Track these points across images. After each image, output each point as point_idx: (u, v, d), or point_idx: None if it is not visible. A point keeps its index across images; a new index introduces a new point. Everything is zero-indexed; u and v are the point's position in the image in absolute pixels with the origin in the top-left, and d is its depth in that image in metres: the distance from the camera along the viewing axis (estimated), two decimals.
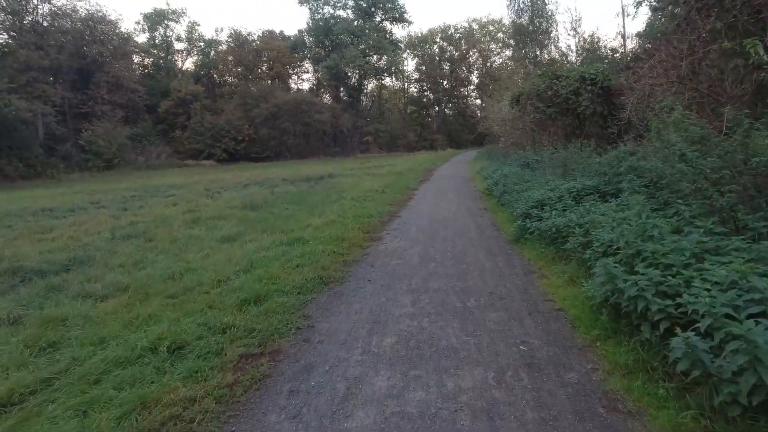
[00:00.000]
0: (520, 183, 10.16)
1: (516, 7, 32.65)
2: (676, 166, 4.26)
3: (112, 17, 44.47)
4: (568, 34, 30.76)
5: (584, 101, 14.62)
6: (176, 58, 57.14)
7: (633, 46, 24.26)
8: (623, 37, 26.02)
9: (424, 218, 9.78)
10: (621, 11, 28.53)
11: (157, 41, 53.60)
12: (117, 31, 45.45)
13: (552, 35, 31.39)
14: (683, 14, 7.61)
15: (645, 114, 9.26)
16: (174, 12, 52.46)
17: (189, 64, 57.54)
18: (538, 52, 32.17)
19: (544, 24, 31.79)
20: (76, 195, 20.79)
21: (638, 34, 23.24)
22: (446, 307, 4.49)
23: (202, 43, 56.14)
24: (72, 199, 18.77)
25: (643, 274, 3.13)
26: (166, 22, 52.69)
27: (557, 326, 3.87)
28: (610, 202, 6.14)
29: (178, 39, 55.24)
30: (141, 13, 50.96)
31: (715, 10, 7.55)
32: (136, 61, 53.56)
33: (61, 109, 38.60)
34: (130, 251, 7.92)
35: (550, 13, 31.68)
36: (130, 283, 5.81)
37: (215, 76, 57.16)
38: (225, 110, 50.62)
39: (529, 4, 32.08)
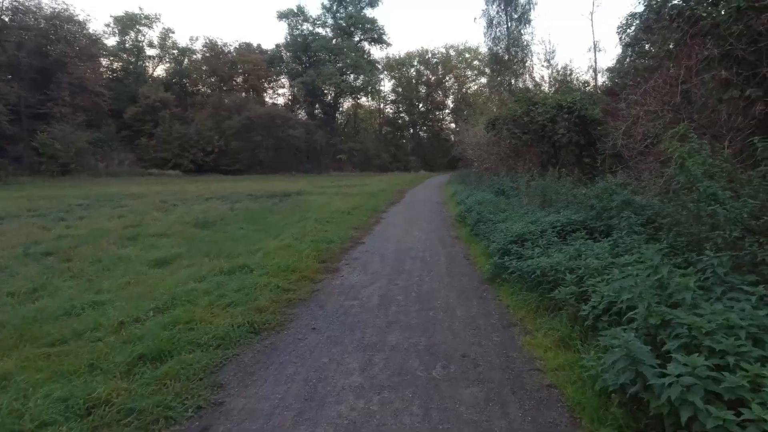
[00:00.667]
0: (496, 212, 9.30)
1: (493, 35, 32.75)
2: (701, 207, 3.40)
3: (80, 17, 42.44)
4: (542, 65, 30.97)
5: (561, 129, 14.09)
6: (147, 64, 55.21)
7: (604, 79, 24.45)
8: (594, 71, 26.24)
9: (390, 246, 8.76)
10: (593, 46, 28.96)
11: (127, 45, 51.61)
12: (84, 31, 43.44)
13: (527, 64, 31.50)
14: (676, 38, 7.01)
15: (631, 144, 8.63)
16: (147, 17, 50.81)
17: (161, 71, 55.70)
18: (513, 81, 32.21)
19: (520, 53, 31.92)
20: (17, 200, 18.85)
21: (609, 69, 23.41)
22: (405, 376, 3.42)
23: (175, 51, 54.48)
24: (9, 205, 16.92)
25: (684, 364, 2.15)
26: (138, 26, 50.87)
27: (551, 416, 2.85)
28: (601, 241, 5.28)
29: (151, 45, 53.47)
30: (111, 16, 49.03)
31: (710, 37, 6.97)
32: (104, 64, 51.44)
33: (15, 108, 36.10)
34: (34, 274, 6.53)
35: (525, 43, 31.86)
36: (6, 321, 4.51)
37: (187, 84, 55.42)
38: (195, 120, 48.85)
39: (506, 33, 32.25)
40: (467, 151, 23.92)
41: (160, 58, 55.22)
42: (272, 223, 11.81)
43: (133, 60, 52.26)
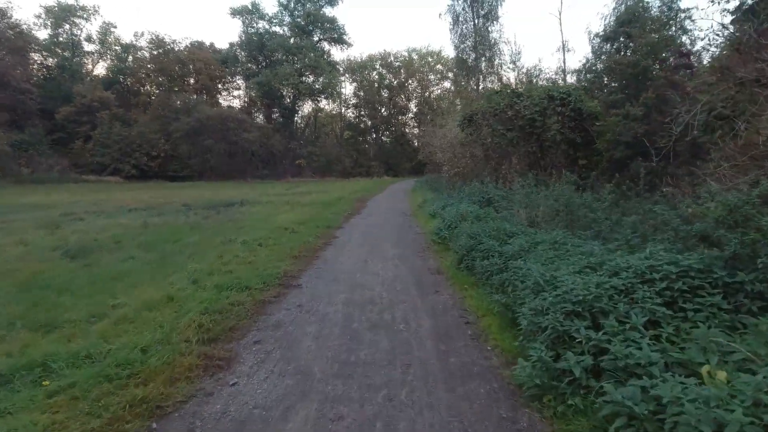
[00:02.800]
0: (499, 236, 6.23)
1: (459, 33, 30.22)
2: None
3: (1, 5, 36.92)
4: (508, 67, 28.79)
5: (554, 124, 11.33)
6: (86, 60, 49.55)
7: (572, 81, 22.23)
8: (564, 72, 24.04)
9: (339, 294, 5.51)
10: (562, 46, 26.87)
11: (61, 39, 45.95)
12: (5, 20, 37.87)
13: (495, 63, 29.13)
14: None
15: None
16: (83, 8, 45.37)
17: (101, 69, 50.15)
18: (480, 80, 29.75)
19: (487, 52, 29.53)
20: None
21: (577, 71, 21.20)
22: None
23: (118, 47, 49.13)
24: None
25: None
26: (73, 18, 45.34)
27: None
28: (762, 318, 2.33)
29: (89, 40, 47.93)
30: (42, 6, 43.17)
31: None
32: (37, 60, 45.59)
33: None
34: None
35: (493, 41, 29.50)
36: None
37: (132, 84, 50.11)
38: (139, 122, 43.86)
39: (473, 30, 29.78)
40: (436, 154, 21.02)
41: (101, 55, 49.74)
42: (180, 249, 8.31)
43: (68, 56, 46.56)
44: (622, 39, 20.84)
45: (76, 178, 39.86)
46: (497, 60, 29.10)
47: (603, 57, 22.12)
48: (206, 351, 3.65)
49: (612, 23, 26.24)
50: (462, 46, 29.87)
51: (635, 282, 3.06)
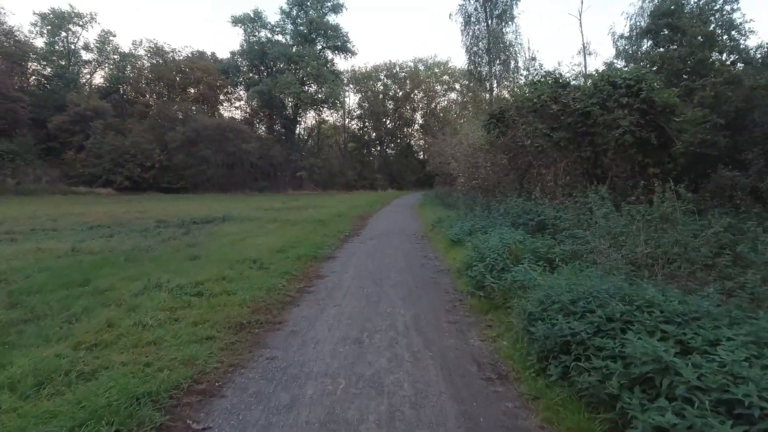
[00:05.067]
0: (613, 307, 2.92)
1: (471, 34, 27.23)
2: None
3: None
4: (521, 74, 25.76)
5: (623, 121, 8.11)
6: (85, 69, 47.07)
7: None
8: (584, 76, 20.90)
9: None
10: (582, 48, 23.78)
11: (57, 48, 43.51)
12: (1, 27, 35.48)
13: (511, 66, 26.04)
14: None
15: None
16: (79, 15, 42.92)
17: (99, 78, 47.64)
18: (495, 87, 26.66)
19: (502, 55, 26.49)
20: None
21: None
22: None
23: (116, 56, 46.63)
24: None
25: None
26: (69, 26, 42.92)
27: None
28: None
29: (87, 48, 45.45)
30: (35, 13, 40.62)
31: None
32: (33, 68, 43.15)
33: None
34: None
35: (508, 43, 26.48)
36: None
37: (130, 93, 47.51)
38: (133, 131, 41.07)
39: (486, 31, 26.80)
40: (449, 164, 17.81)
41: (99, 64, 47.22)
42: (67, 303, 5.08)
43: (64, 64, 44.08)
44: (665, 32, 17.77)
45: (65, 190, 36.97)
46: (513, 63, 26.05)
47: (640, 53, 19.05)
48: None
49: (644, 19, 23.21)
50: (474, 48, 26.88)
51: None
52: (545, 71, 9.94)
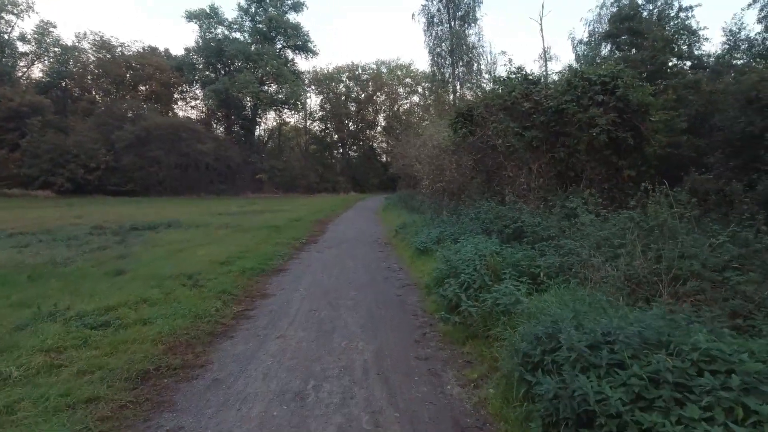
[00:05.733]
0: (658, 342, 2.06)
1: (433, 35, 26.71)
2: None
3: None
4: (483, 77, 25.50)
5: (600, 119, 7.52)
6: (21, 62, 43.16)
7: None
8: (546, 80, 20.79)
9: None
10: (543, 53, 23.77)
11: None
12: None
13: (474, 68, 25.69)
14: None
15: None
16: (14, 3, 39.23)
17: (38, 72, 43.85)
18: (458, 89, 26.23)
19: (465, 57, 26.11)
20: None
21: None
22: None
23: (57, 49, 43.00)
24: None
25: None
26: (2, 14, 39.15)
27: None
28: None
29: (23, 39, 41.64)
30: None
31: None
32: None
33: None
34: None
35: (471, 45, 26.13)
36: None
37: (73, 89, 44.01)
38: (76, 129, 37.90)
39: (449, 33, 26.35)
40: (413, 166, 17.01)
41: (38, 56, 43.42)
42: None
43: None
44: (624, 37, 17.77)
45: None
46: (476, 65, 25.71)
47: (599, 58, 19.03)
48: None
49: (602, 25, 23.41)
50: (437, 50, 26.38)
51: None
52: (516, 67, 9.26)
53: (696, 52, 16.76)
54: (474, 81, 25.55)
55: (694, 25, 16.97)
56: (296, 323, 4.50)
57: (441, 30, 26.30)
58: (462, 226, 8.05)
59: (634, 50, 16.44)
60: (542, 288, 4.49)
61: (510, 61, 9.39)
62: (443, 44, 26.22)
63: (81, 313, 4.51)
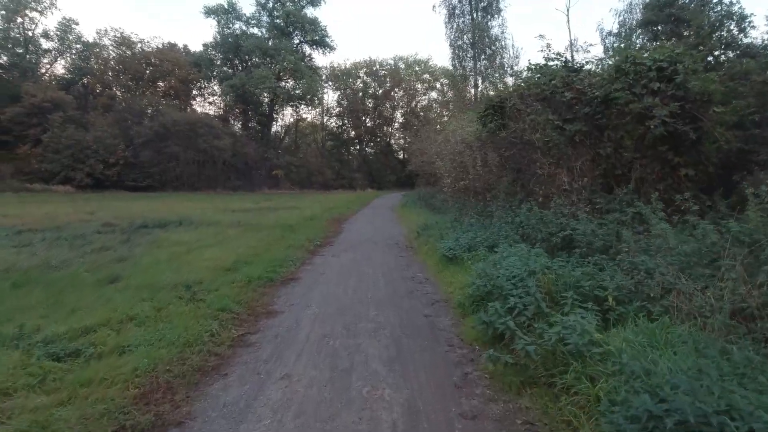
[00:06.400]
0: None
1: (455, 27, 25.56)
2: None
3: None
4: (506, 70, 24.24)
5: (659, 110, 6.46)
6: (44, 59, 43.48)
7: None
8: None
9: None
10: (569, 45, 22.43)
11: (13, 34, 39.91)
12: None
13: (497, 62, 24.49)
14: None
15: None
16: (37, 0, 39.40)
17: (60, 68, 44.11)
18: (480, 83, 25.09)
19: (488, 50, 24.91)
20: None
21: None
22: None
23: (79, 45, 43.18)
24: None
25: None
26: (26, 11, 39.38)
27: None
28: None
29: (46, 36, 41.88)
30: None
31: None
32: None
33: None
34: None
35: (494, 37, 24.91)
36: None
37: (95, 85, 44.12)
38: (96, 125, 37.92)
39: (470, 24, 25.17)
40: (434, 163, 16.04)
41: (60, 53, 43.69)
42: None
43: (20, 52, 40.49)
44: (663, 25, 16.44)
45: (18, 187, 33.69)
46: (498, 59, 24.50)
47: (631, 49, 17.72)
48: None
49: (634, 15, 21.97)
50: (459, 42, 25.23)
51: None
52: (556, 52, 8.22)
53: (744, 40, 15.36)
54: (497, 75, 24.37)
55: (741, 11, 15.55)
56: (305, 355, 3.65)
57: (463, 22, 25.16)
58: (493, 231, 7.10)
59: (674, 39, 15.13)
60: (613, 317, 3.55)
61: (548, 46, 8.35)
62: (465, 37, 25.07)
63: (49, 338, 3.75)
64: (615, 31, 24.28)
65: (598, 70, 8.35)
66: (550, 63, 8.38)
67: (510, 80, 21.59)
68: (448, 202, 13.55)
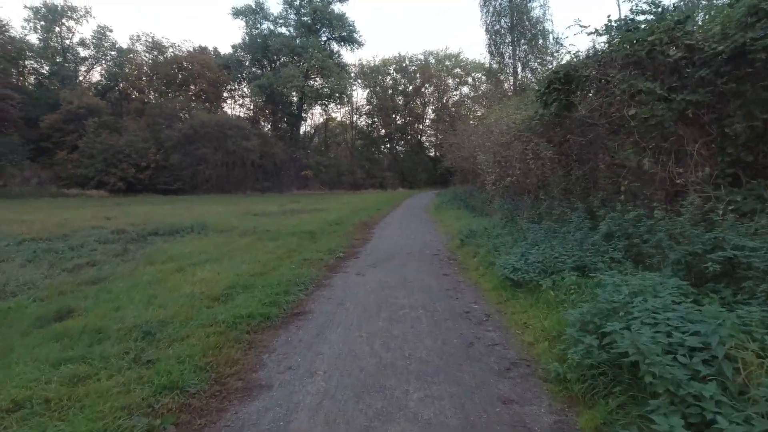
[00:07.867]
0: None
1: (491, 10, 23.19)
2: None
3: None
4: (549, 54, 21.68)
5: None
6: (82, 66, 44.00)
7: None
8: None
9: None
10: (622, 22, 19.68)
11: (51, 43, 40.45)
12: None
13: (539, 44, 21.97)
14: None
15: None
16: (73, 9, 39.77)
17: (97, 75, 44.57)
18: (520, 69, 22.66)
19: (528, 33, 22.40)
20: None
21: None
22: None
23: (114, 52, 43.44)
24: None
25: None
26: (63, 20, 39.80)
27: None
28: None
29: (83, 44, 42.28)
30: (26, 7, 37.36)
31: None
32: (32, 66, 40.28)
33: None
34: None
35: (535, 19, 22.38)
36: None
37: (129, 90, 44.30)
38: (129, 129, 37.80)
39: (508, 6, 22.73)
40: (476, 157, 13.91)
41: (96, 60, 44.10)
42: None
43: (59, 60, 41.02)
44: None
45: (55, 192, 33.92)
46: (541, 41, 21.99)
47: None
48: None
49: None
50: (496, 27, 22.87)
51: None
52: (649, 1, 6.02)
53: None
54: (539, 61, 21.87)
55: None
56: None
57: (500, 4, 22.76)
58: (574, 245, 5.00)
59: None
60: None
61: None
62: (502, 20, 22.68)
63: None
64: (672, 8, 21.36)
65: (711, 18, 6.07)
66: (641, 18, 6.20)
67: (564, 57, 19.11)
68: (491, 202, 11.44)
